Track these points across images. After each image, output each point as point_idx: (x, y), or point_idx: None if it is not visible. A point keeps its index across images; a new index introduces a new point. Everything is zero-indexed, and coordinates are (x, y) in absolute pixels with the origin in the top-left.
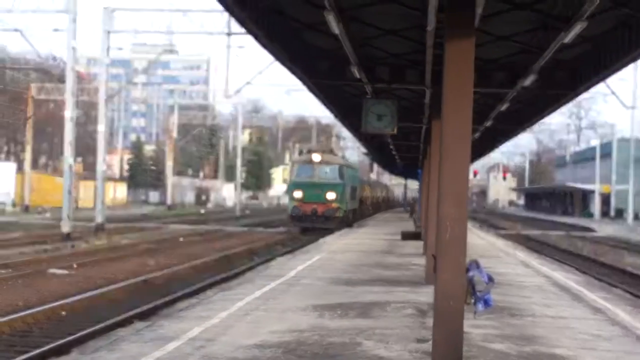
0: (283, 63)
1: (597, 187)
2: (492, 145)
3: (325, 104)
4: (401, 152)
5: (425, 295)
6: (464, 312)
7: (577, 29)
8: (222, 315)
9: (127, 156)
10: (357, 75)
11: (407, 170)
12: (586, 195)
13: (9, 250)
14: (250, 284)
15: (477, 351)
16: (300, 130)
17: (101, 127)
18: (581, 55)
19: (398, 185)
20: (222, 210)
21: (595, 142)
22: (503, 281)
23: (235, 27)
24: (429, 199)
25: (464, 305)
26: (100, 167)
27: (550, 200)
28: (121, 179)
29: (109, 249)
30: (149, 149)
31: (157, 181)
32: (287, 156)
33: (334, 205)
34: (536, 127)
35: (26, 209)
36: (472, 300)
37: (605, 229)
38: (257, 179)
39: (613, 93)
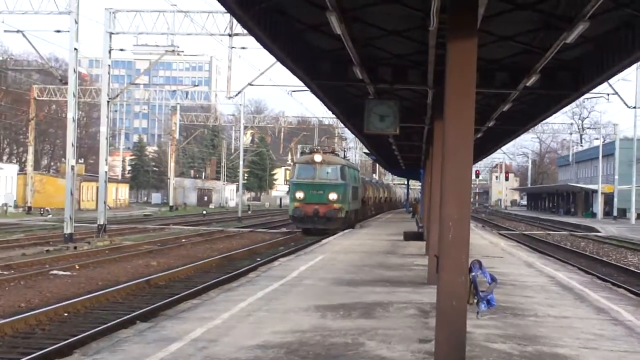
0: (285, 64)
1: (599, 187)
2: (495, 146)
3: (327, 105)
4: (403, 152)
5: (428, 295)
6: (466, 312)
7: (579, 29)
8: (225, 316)
9: (129, 157)
10: (360, 75)
11: (410, 170)
12: (589, 195)
13: (11, 251)
14: (252, 284)
15: (479, 351)
16: (302, 131)
17: (103, 129)
18: (584, 55)
19: (400, 186)
20: (225, 211)
21: (598, 142)
22: (506, 281)
23: (238, 28)
24: (431, 199)
25: (466, 305)
26: (103, 168)
27: (553, 200)
28: (123, 180)
29: (111, 250)
30: (151, 150)
31: (159, 182)
32: (290, 157)
33: (336, 206)
34: (539, 127)
35: (28, 211)
36: (475, 300)
37: (608, 228)
38: (260, 179)
39: (616, 93)
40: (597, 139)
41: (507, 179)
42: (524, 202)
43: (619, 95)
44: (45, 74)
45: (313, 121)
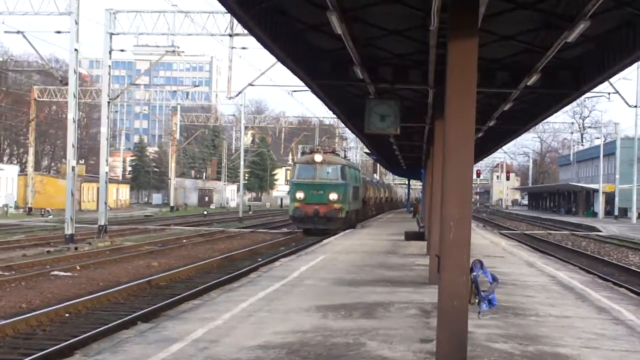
0: (285, 64)
1: (600, 186)
2: (496, 145)
3: (328, 105)
4: (404, 152)
5: (429, 295)
6: (468, 312)
7: (580, 28)
8: (226, 317)
9: (129, 158)
10: (360, 75)
11: (410, 170)
12: (590, 195)
13: (12, 252)
14: (253, 285)
15: (481, 351)
16: (303, 131)
17: (104, 129)
18: (585, 54)
19: (401, 186)
20: (225, 212)
21: (598, 141)
22: (507, 281)
23: (238, 28)
24: (432, 199)
25: (468, 305)
26: (103, 169)
27: (554, 200)
28: (124, 180)
29: (112, 251)
30: (151, 150)
31: (160, 183)
32: (290, 157)
33: (336, 206)
34: (540, 126)
35: (29, 211)
36: (476, 300)
37: (609, 228)
38: (260, 180)
39: (617, 92)
40: (598, 138)
41: (508, 178)
42: (525, 201)
43: (620, 94)
44: (46, 74)
45: (314, 121)
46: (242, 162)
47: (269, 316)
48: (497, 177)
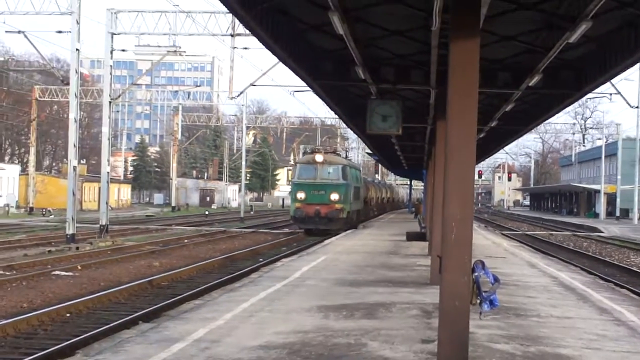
0: (287, 64)
1: (602, 187)
2: (498, 146)
3: (329, 105)
4: (406, 152)
5: (431, 296)
6: (469, 312)
7: (582, 28)
8: (227, 317)
9: (131, 158)
10: (362, 76)
11: (412, 170)
12: (591, 195)
13: (13, 252)
14: (255, 285)
15: (482, 351)
16: (304, 131)
17: (105, 129)
18: (586, 55)
19: (403, 186)
20: (227, 212)
21: (600, 142)
22: (509, 281)
23: (240, 28)
24: (434, 199)
25: (469, 306)
26: (105, 168)
27: (556, 201)
28: (125, 180)
29: (113, 251)
30: (153, 150)
31: (161, 183)
32: (292, 157)
33: (337, 206)
34: (541, 127)
35: (30, 211)
36: (478, 301)
37: (610, 229)
38: (262, 180)
39: (618, 93)
40: (599, 139)
41: (509, 179)
42: (527, 202)
43: (621, 95)
44: (47, 74)
45: (315, 121)
46: (243, 162)
47: (271, 316)
48: (499, 177)
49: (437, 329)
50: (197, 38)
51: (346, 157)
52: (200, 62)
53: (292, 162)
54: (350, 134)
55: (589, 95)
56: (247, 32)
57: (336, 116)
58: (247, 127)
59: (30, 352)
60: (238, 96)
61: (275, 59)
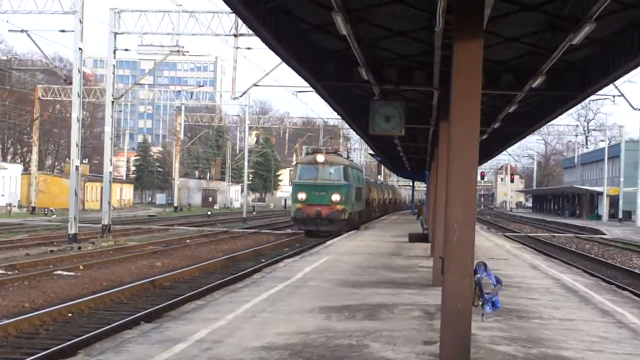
0: (290, 64)
1: (605, 189)
2: (500, 147)
3: (332, 106)
4: (409, 153)
5: (433, 297)
6: (471, 314)
7: (585, 30)
8: (229, 317)
9: (133, 158)
10: (365, 76)
11: (415, 172)
12: (594, 197)
13: (15, 251)
14: (257, 285)
15: (484, 353)
16: (307, 131)
17: (108, 129)
18: (590, 56)
19: (405, 187)
20: (229, 212)
21: (603, 144)
22: (511, 283)
23: (243, 28)
24: (436, 201)
25: (471, 307)
26: (107, 168)
27: (558, 203)
28: (128, 180)
29: (115, 251)
30: (155, 150)
31: (164, 183)
32: (295, 158)
33: (339, 207)
34: (544, 129)
35: (32, 211)
36: (480, 302)
37: (613, 231)
38: (264, 180)
39: (622, 95)
40: (602, 140)
41: (512, 180)
42: (529, 204)
43: (624, 97)
44: (50, 73)
45: (318, 122)
46: (246, 163)
47: (273, 317)
48: (502, 179)
49: (439, 331)
50: (200, 38)
51: (348, 157)
52: (203, 62)
53: (294, 163)
54: (352, 134)
55: (592, 97)
56: (250, 32)
57: (339, 117)
58: (250, 128)
59: (32, 352)
60: (241, 96)
61: (278, 60)
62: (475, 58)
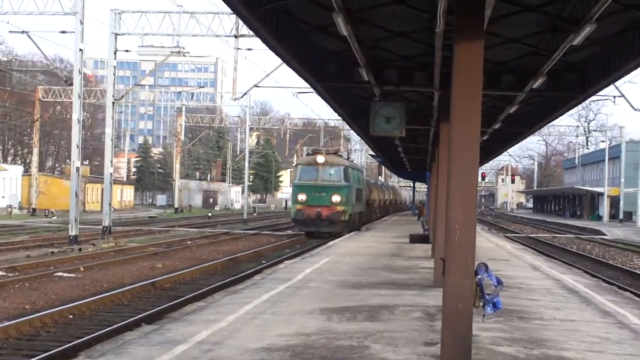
0: (291, 65)
1: (605, 189)
2: (501, 148)
3: (333, 107)
4: (409, 154)
5: (434, 298)
6: (472, 315)
7: (586, 31)
8: (230, 319)
9: (134, 159)
10: (366, 77)
11: (416, 172)
12: (595, 198)
13: (16, 253)
14: (257, 287)
15: (485, 354)
16: (308, 132)
17: (108, 130)
18: (590, 57)
19: (406, 188)
20: (230, 213)
21: (604, 145)
22: (512, 284)
23: (243, 29)
24: (437, 201)
25: (472, 308)
26: (108, 169)
27: (559, 203)
28: (128, 181)
29: (116, 252)
30: (156, 151)
31: (165, 184)
32: (295, 159)
33: (339, 208)
34: (545, 129)
35: (33, 212)
36: (481, 303)
37: (614, 231)
38: (265, 181)
39: (622, 95)
40: (603, 141)
41: (513, 181)
42: (530, 204)
43: (625, 98)
44: (50, 75)
45: (319, 123)
46: (246, 164)
47: (273, 318)
48: (502, 180)
49: (440, 332)
50: (200, 39)
51: (348, 158)
52: (203, 63)
53: (294, 164)
54: (353, 135)
55: (593, 97)
56: (251, 33)
57: (340, 118)
58: (251, 129)
59: (33, 354)
60: (241, 97)
61: (279, 60)
62: (475, 59)
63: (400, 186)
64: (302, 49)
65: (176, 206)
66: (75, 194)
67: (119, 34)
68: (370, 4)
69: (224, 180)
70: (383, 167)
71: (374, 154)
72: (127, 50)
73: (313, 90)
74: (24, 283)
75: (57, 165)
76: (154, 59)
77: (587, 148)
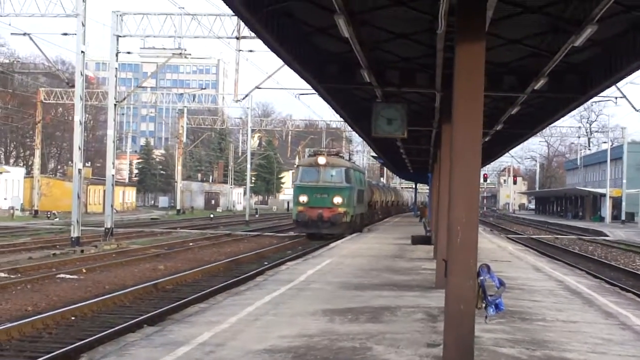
0: (292, 67)
1: (607, 190)
2: (503, 149)
3: (334, 108)
4: (411, 156)
5: (436, 299)
6: (475, 316)
7: (587, 32)
8: (232, 320)
9: (136, 160)
10: (367, 79)
11: (417, 174)
12: (597, 199)
13: (18, 255)
14: (259, 288)
15: (487, 355)
16: (309, 134)
17: (110, 132)
18: (592, 58)
19: (408, 190)
20: (232, 215)
21: (606, 146)
22: (514, 285)
23: (245, 31)
24: (439, 203)
25: (475, 310)
26: (110, 171)
27: (561, 204)
28: (130, 183)
29: (118, 254)
30: (158, 153)
31: (166, 185)
32: (297, 160)
33: (341, 209)
34: (547, 130)
35: (35, 214)
36: (483, 305)
37: (616, 232)
38: (267, 183)
39: (624, 96)
40: (605, 142)
41: (515, 182)
42: (532, 206)
43: (627, 99)
44: (52, 76)
45: (320, 124)
46: (248, 165)
47: (275, 320)
48: (504, 181)
49: (442, 333)
50: (202, 41)
51: (350, 159)
52: (205, 65)
53: (296, 165)
54: (355, 136)
55: (595, 98)
56: (253, 34)
57: (341, 119)
58: (252, 130)
59: (35, 355)
60: (243, 99)
61: (280, 62)
62: (477, 60)
63: (402, 187)
64: (303, 51)
65: (178, 208)
66: (77, 196)
67: (120, 36)
68: (372, 5)
69: (225, 182)
70: (385, 169)
71: (375, 155)
72: (128, 52)
73: (315, 92)
74: (26, 285)
75: (59, 167)
76: (156, 60)
77: (589, 149)
